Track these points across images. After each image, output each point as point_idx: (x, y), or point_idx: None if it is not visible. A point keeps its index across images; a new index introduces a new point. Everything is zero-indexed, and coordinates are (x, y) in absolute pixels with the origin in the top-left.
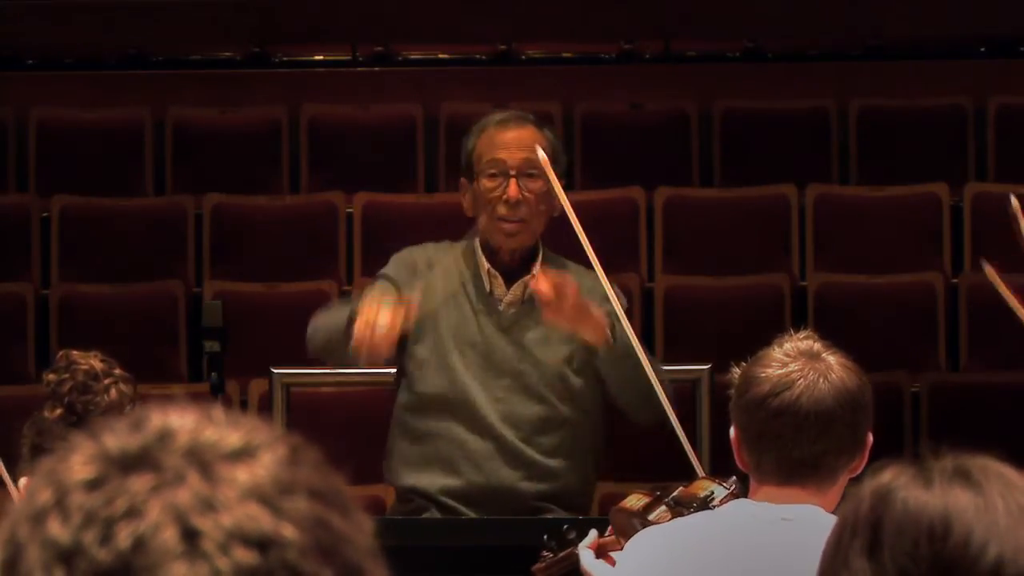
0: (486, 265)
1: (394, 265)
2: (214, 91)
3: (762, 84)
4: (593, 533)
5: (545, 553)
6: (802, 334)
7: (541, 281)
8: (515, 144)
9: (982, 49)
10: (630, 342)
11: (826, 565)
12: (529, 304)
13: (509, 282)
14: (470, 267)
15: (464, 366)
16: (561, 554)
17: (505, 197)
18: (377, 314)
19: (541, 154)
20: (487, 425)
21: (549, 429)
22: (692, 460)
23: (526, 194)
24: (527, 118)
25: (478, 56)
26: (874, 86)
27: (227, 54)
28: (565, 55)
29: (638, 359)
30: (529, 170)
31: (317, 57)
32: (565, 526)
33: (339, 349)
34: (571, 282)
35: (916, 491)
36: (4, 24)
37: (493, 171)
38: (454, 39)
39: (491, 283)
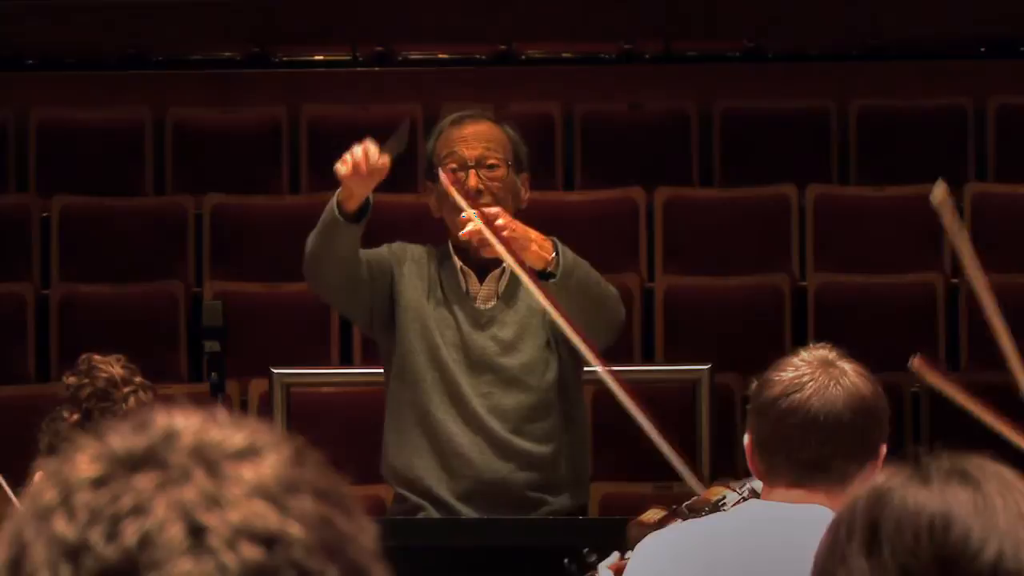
0: (458, 264)
1: (388, 247)
2: (214, 91)
3: (762, 84)
4: (615, 555)
5: None
6: (821, 344)
7: (469, 222)
8: (472, 137)
9: (982, 49)
10: (572, 258)
11: (820, 566)
12: (504, 298)
13: (481, 277)
14: (445, 268)
15: (448, 366)
16: None
17: (466, 189)
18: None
19: None
20: (475, 421)
21: (537, 417)
22: (671, 459)
23: (487, 183)
24: (484, 114)
25: (478, 56)
26: (874, 86)
27: (227, 54)
28: (565, 55)
29: (583, 275)
30: (488, 161)
31: (317, 57)
32: (586, 549)
33: (330, 229)
34: (499, 210)
35: (914, 490)
36: (4, 24)
37: (453, 166)
38: (454, 39)
39: (465, 281)
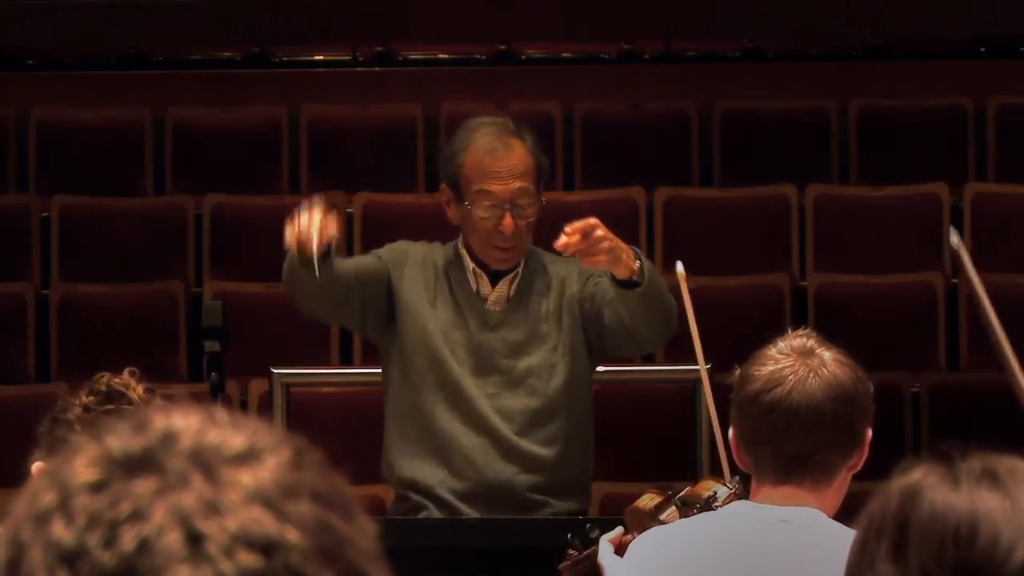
0: (471, 265)
1: (389, 249)
2: (214, 91)
3: (762, 84)
4: (619, 529)
5: (571, 551)
6: (799, 332)
7: (569, 236)
8: (507, 174)
9: (982, 49)
10: (651, 266)
11: (852, 565)
12: (515, 301)
13: (494, 280)
14: (455, 267)
15: (456, 364)
16: (586, 552)
17: (501, 229)
18: (306, 219)
19: None
20: (481, 422)
21: (543, 421)
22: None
23: (518, 223)
24: (510, 131)
25: (478, 56)
26: (874, 86)
27: (227, 54)
28: (565, 55)
29: (660, 283)
30: (521, 200)
31: (317, 57)
32: (588, 524)
33: (294, 269)
34: (596, 221)
35: (943, 492)
36: (4, 24)
37: (486, 202)
38: (454, 39)
39: (477, 282)
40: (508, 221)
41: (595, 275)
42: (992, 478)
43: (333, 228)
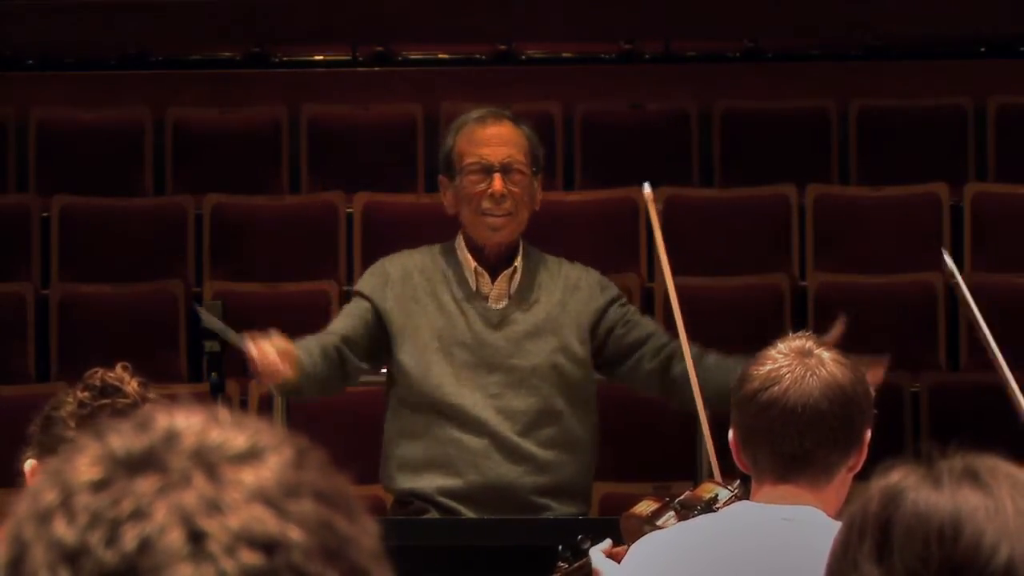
0: (472, 263)
1: (368, 279)
2: (214, 91)
3: (762, 84)
4: (607, 541)
5: (560, 564)
6: (800, 334)
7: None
8: (497, 140)
9: (982, 49)
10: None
11: (834, 566)
12: (517, 297)
13: (494, 278)
14: (452, 266)
15: (455, 366)
16: (576, 564)
17: (490, 192)
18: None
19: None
20: (482, 422)
21: (545, 422)
22: (712, 461)
23: (511, 188)
24: (504, 114)
25: (478, 56)
26: (874, 86)
27: (227, 54)
28: (565, 55)
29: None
30: (513, 165)
31: (317, 57)
32: (579, 536)
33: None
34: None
35: (926, 492)
36: (4, 24)
37: (476, 168)
38: (454, 39)
39: (477, 280)
40: (498, 181)
41: (619, 301)
42: (973, 477)
43: (288, 371)
